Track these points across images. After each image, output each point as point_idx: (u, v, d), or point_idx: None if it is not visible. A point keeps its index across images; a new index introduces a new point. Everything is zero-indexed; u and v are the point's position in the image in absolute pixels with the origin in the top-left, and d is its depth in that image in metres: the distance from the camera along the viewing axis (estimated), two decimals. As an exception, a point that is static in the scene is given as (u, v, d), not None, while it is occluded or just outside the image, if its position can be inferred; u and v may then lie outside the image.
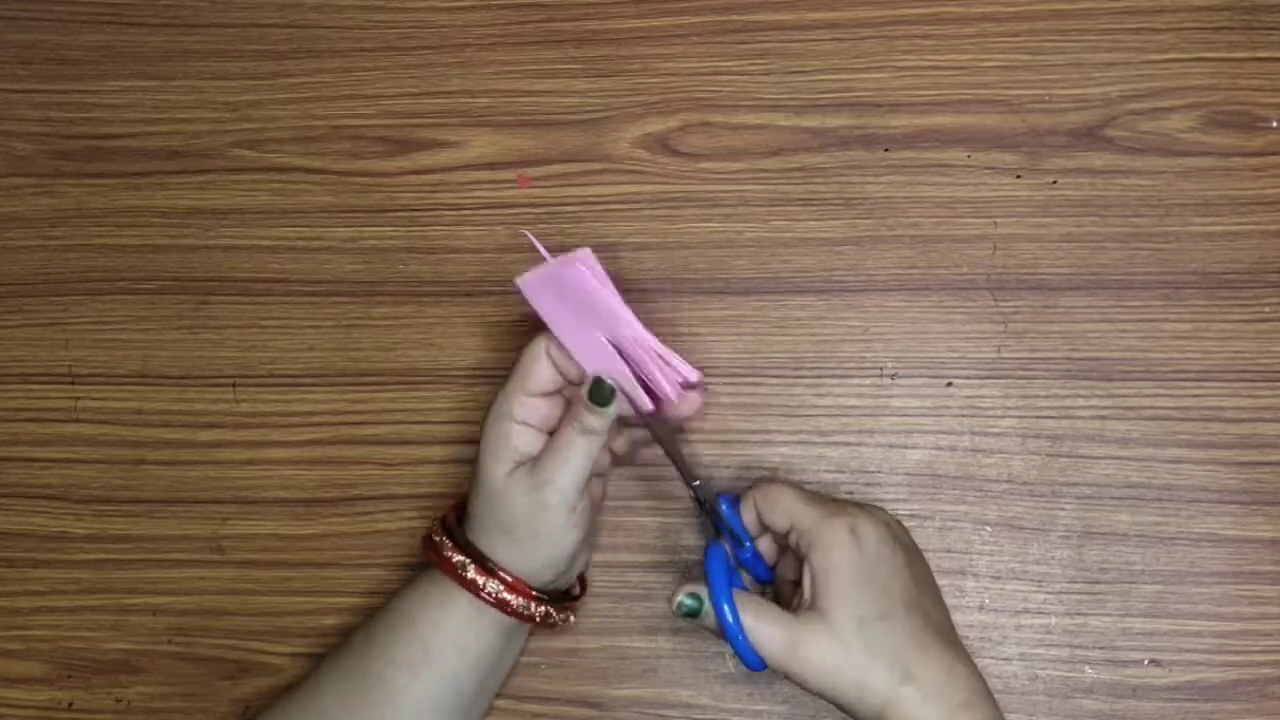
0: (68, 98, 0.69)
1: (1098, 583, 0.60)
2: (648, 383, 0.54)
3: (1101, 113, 0.63)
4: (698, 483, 0.56)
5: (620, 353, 0.53)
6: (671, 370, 0.53)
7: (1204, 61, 0.63)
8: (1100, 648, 0.60)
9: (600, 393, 0.53)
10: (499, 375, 0.63)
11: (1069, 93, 0.64)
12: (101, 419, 0.66)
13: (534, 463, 0.54)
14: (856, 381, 0.63)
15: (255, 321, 0.66)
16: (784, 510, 0.53)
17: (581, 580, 0.61)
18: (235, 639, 0.63)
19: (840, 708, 0.51)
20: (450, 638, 0.55)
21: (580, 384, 0.54)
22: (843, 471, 0.62)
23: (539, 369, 0.54)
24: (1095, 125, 0.63)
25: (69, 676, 0.64)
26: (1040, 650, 0.60)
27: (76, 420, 0.66)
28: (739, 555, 0.56)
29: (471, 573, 0.54)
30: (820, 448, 0.62)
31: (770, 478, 0.57)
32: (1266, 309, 0.61)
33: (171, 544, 0.64)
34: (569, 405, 0.55)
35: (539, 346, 0.54)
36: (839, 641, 0.50)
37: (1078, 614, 0.60)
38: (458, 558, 0.54)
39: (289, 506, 0.64)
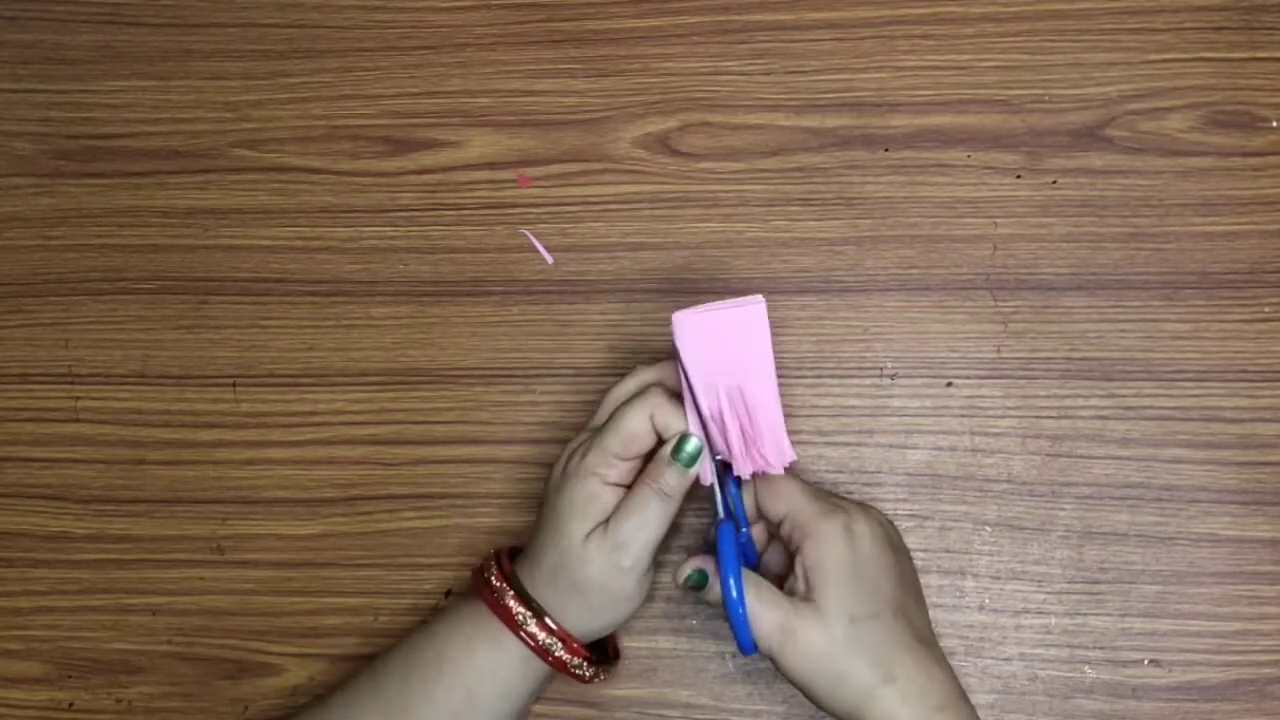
0: (68, 98, 0.69)
1: (1098, 583, 0.60)
2: (740, 450, 0.54)
3: (1101, 113, 0.63)
4: (720, 455, 0.55)
5: (733, 406, 0.54)
6: (772, 447, 0.54)
7: (1204, 61, 0.63)
8: (1100, 648, 0.60)
9: (685, 450, 0.53)
10: (499, 375, 0.64)
11: (1069, 93, 0.64)
12: (101, 419, 0.66)
13: (609, 524, 0.53)
14: (856, 381, 0.63)
15: (255, 321, 0.66)
16: (784, 500, 0.54)
17: (615, 647, 0.60)
18: (235, 639, 0.63)
19: (814, 700, 0.52)
20: (497, 686, 0.54)
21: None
22: (843, 471, 0.62)
23: (642, 436, 0.53)
24: (1095, 125, 0.63)
25: (69, 676, 0.64)
26: (1040, 650, 0.60)
27: (76, 420, 0.66)
28: (738, 541, 0.56)
29: (532, 626, 0.54)
30: (820, 448, 0.62)
31: None
32: (1266, 309, 0.61)
33: (171, 544, 0.64)
34: (645, 463, 0.54)
35: (643, 412, 0.53)
36: (827, 634, 0.51)
37: (1078, 614, 0.60)
38: (519, 610, 0.54)
39: (289, 506, 0.64)
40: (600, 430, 0.54)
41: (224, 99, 0.68)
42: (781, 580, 0.54)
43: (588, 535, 0.53)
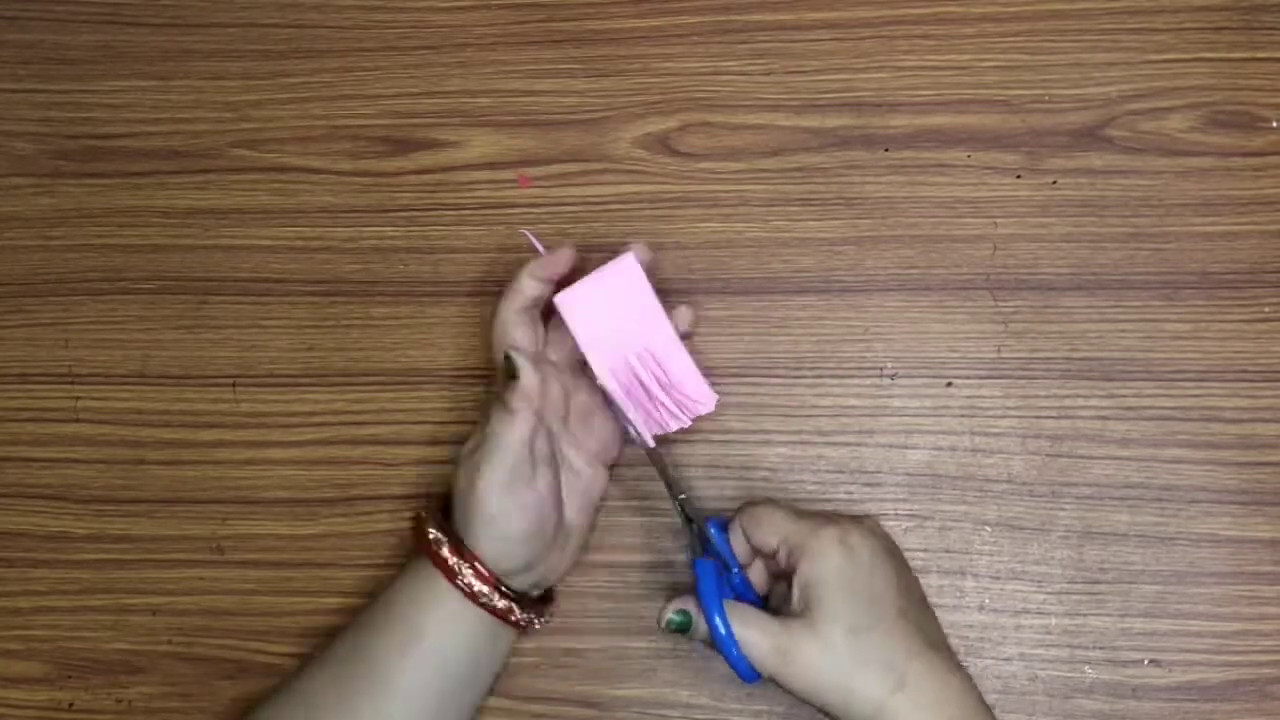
0: (68, 98, 0.69)
1: (1098, 583, 0.60)
2: (666, 400, 0.55)
3: (1101, 113, 0.63)
4: (684, 496, 0.56)
5: (645, 367, 0.55)
6: (694, 388, 0.55)
7: (1204, 61, 0.63)
8: (1100, 648, 0.60)
9: (510, 366, 0.54)
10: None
11: (1069, 93, 0.64)
12: (101, 419, 0.66)
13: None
14: (856, 381, 0.63)
15: (255, 321, 0.66)
16: (772, 526, 0.54)
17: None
18: (235, 639, 0.63)
19: (829, 716, 0.51)
20: (436, 619, 0.55)
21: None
22: (843, 471, 0.62)
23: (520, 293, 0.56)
24: (1095, 125, 0.63)
25: (69, 676, 0.64)
26: (1040, 650, 0.60)
27: (76, 420, 0.66)
28: (729, 580, 0.56)
29: (445, 551, 0.55)
30: (820, 448, 0.62)
31: (755, 499, 0.57)
32: (1266, 309, 0.61)
33: (171, 544, 0.64)
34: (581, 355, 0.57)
35: (505, 311, 0.57)
36: (828, 650, 0.50)
37: (1078, 614, 0.60)
38: (434, 534, 0.55)
39: (289, 506, 0.64)
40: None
41: (224, 99, 0.68)
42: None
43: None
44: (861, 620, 0.51)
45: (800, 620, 0.51)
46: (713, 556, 0.56)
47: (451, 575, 0.54)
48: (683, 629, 0.53)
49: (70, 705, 0.64)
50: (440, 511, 0.57)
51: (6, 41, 0.70)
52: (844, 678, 0.50)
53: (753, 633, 0.51)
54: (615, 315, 0.54)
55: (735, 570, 0.56)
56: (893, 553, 0.54)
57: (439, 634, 0.55)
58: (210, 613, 0.64)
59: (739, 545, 0.56)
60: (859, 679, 0.50)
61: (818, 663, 0.50)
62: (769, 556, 0.55)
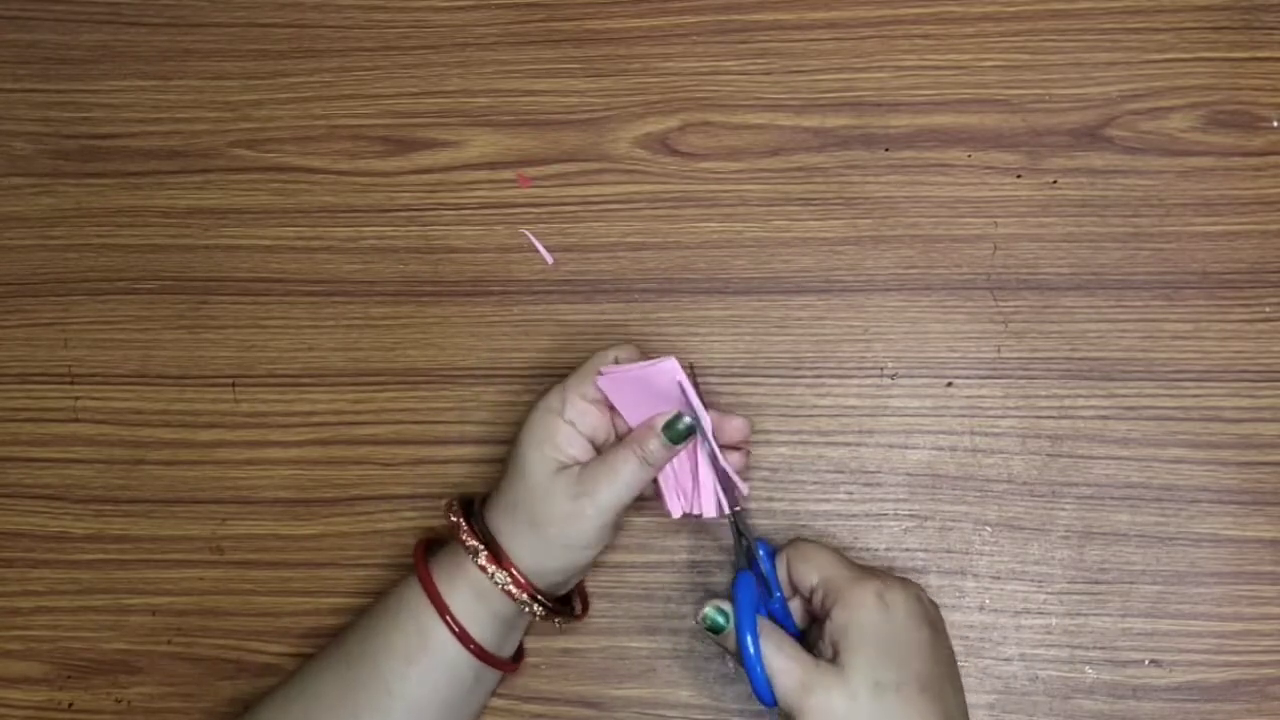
0: (67, 98, 0.69)
1: (1098, 583, 0.60)
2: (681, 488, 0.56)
3: (1101, 113, 0.63)
4: (738, 509, 0.56)
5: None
6: (720, 489, 0.55)
7: (1204, 61, 0.63)
8: (1100, 648, 0.60)
9: (675, 427, 0.54)
10: (499, 375, 0.64)
11: (1069, 93, 0.64)
12: (101, 419, 0.66)
13: (583, 470, 0.54)
14: (856, 381, 0.62)
15: (255, 321, 0.66)
16: (817, 565, 0.53)
17: (584, 601, 0.61)
18: (235, 639, 0.63)
19: None
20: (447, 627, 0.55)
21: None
22: (843, 471, 0.62)
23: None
24: (1095, 125, 0.63)
25: (69, 676, 0.64)
26: (1040, 650, 0.60)
27: (76, 420, 0.66)
28: (768, 605, 0.55)
29: (482, 559, 0.54)
30: (820, 448, 0.62)
31: (807, 537, 0.57)
32: (1267, 309, 0.61)
33: (171, 544, 0.64)
34: (631, 429, 0.55)
35: (608, 357, 0.55)
36: (852, 700, 0.49)
37: (1078, 614, 0.60)
38: (471, 541, 0.54)
39: (288, 506, 0.64)
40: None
41: (224, 99, 0.68)
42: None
43: (555, 473, 0.54)
44: (887, 677, 0.49)
45: (829, 664, 0.50)
46: (750, 567, 0.55)
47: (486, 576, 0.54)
48: (716, 630, 0.53)
49: (70, 705, 0.64)
50: (478, 502, 0.57)
51: (6, 41, 0.70)
52: None
53: (782, 659, 0.50)
54: (651, 404, 0.54)
55: (777, 595, 0.55)
56: (931, 620, 0.53)
57: (454, 639, 0.54)
58: (210, 613, 0.64)
59: (782, 574, 0.55)
60: None
61: (838, 709, 0.49)
62: (806, 597, 0.54)
